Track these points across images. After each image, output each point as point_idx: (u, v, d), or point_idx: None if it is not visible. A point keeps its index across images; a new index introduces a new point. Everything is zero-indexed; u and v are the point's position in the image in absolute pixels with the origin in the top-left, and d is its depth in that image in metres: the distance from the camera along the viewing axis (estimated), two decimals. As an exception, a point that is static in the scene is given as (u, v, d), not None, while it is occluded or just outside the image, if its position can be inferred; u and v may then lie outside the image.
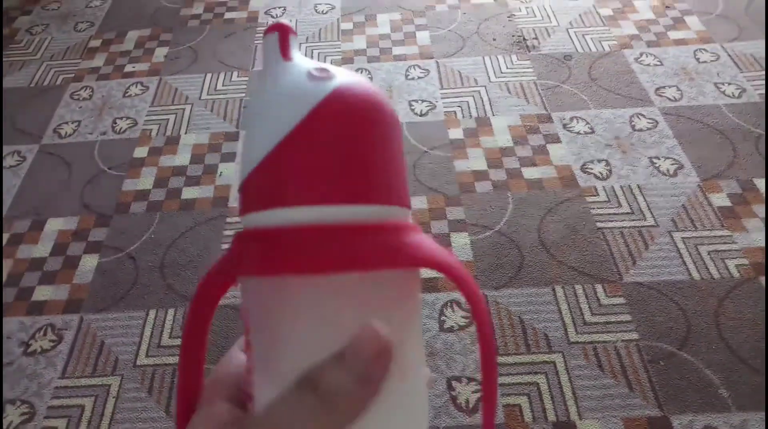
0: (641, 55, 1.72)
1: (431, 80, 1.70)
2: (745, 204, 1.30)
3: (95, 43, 1.94)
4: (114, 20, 2.04)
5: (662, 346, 1.09)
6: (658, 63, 1.69)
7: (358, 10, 1.99)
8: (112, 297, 1.25)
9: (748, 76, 1.61)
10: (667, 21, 1.84)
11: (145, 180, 1.48)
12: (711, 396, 1.02)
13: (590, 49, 1.76)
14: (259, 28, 1.95)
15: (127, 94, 1.73)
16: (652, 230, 1.28)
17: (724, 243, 1.24)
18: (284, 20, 0.28)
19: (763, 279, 1.17)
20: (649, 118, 1.53)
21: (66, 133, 1.63)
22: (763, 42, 1.72)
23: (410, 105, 1.62)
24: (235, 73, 1.77)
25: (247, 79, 1.75)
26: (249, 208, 0.23)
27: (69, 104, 1.72)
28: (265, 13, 2.01)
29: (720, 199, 1.32)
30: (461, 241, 1.29)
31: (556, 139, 1.49)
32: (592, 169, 1.42)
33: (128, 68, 1.83)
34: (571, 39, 1.80)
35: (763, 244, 1.23)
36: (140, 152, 1.55)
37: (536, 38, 1.82)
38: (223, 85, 1.73)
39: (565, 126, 1.53)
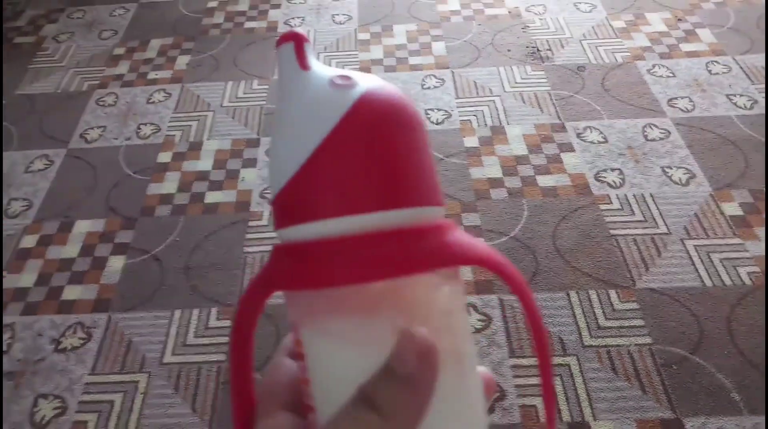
0: (654, 66, 1.76)
1: (447, 90, 1.74)
2: (757, 213, 1.33)
3: (119, 50, 2.00)
4: (137, 29, 2.09)
5: (675, 350, 1.12)
6: (671, 74, 1.72)
7: (375, 20, 2.03)
8: (138, 297, 1.29)
9: (759, 88, 1.65)
10: (679, 33, 1.88)
11: (169, 184, 1.53)
12: (723, 399, 1.05)
13: (603, 60, 1.80)
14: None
15: (150, 101, 1.78)
16: (665, 238, 1.31)
17: (736, 251, 1.27)
18: (297, 29, 0.28)
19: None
20: (662, 129, 1.56)
21: (92, 138, 1.68)
22: (774, 54, 1.75)
23: (426, 114, 1.66)
24: (255, 81, 1.82)
25: (267, 87, 1.80)
26: (285, 222, 0.23)
27: (94, 110, 1.77)
28: (284, 23, 2.06)
29: (732, 208, 1.35)
30: (478, 246, 1.32)
31: (570, 148, 1.53)
32: (605, 177, 1.45)
33: (151, 75, 1.88)
34: (585, 50, 1.84)
35: (773, 252, 1.26)
36: (164, 157, 1.60)
37: (550, 49, 1.85)
38: (243, 93, 1.78)
39: (578, 135, 1.56)
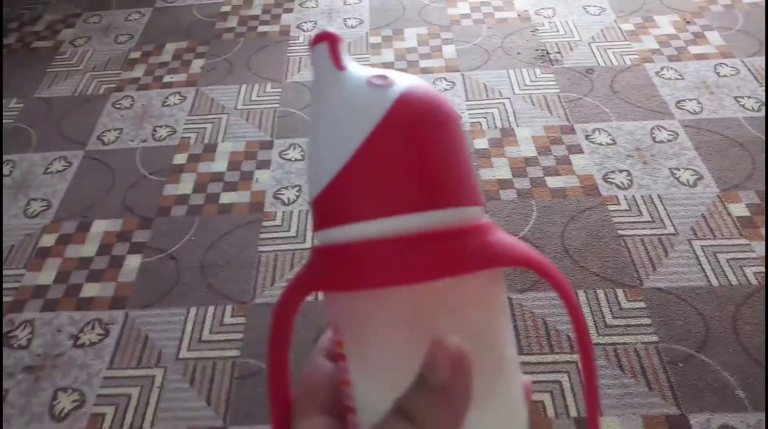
0: (662, 69, 1.78)
1: (457, 92, 1.76)
2: (763, 214, 1.35)
3: (135, 54, 2.04)
4: (152, 33, 2.13)
5: (681, 348, 1.14)
6: (679, 77, 1.74)
7: (387, 24, 2.06)
8: (155, 294, 1.32)
9: (767, 91, 1.66)
10: (687, 36, 1.89)
11: (185, 185, 1.56)
12: (728, 396, 1.06)
13: (612, 63, 1.81)
14: (291, 42, 2.03)
15: (165, 104, 1.82)
16: (672, 238, 1.32)
17: (743, 251, 1.28)
18: (330, 29, 0.25)
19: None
20: (670, 131, 1.58)
21: (109, 140, 1.72)
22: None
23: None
24: (269, 85, 1.85)
25: (280, 90, 1.83)
26: (326, 223, 0.23)
27: (111, 113, 1.81)
28: (297, 26, 2.09)
29: (739, 209, 1.36)
30: (487, 246, 1.35)
31: (578, 150, 1.55)
32: (613, 178, 1.47)
33: (166, 79, 1.92)
34: (594, 53, 1.86)
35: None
36: (179, 159, 1.63)
37: (559, 52, 1.87)
38: (257, 96, 1.81)
39: (587, 137, 1.58)
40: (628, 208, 1.40)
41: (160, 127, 1.74)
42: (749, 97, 1.64)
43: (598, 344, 1.16)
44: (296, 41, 2.03)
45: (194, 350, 1.22)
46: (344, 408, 0.24)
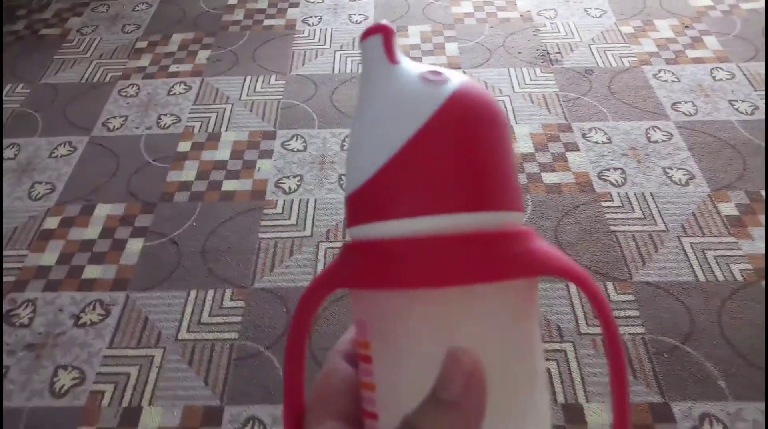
0: (659, 71, 1.81)
1: (458, 89, 1.79)
2: (752, 214, 1.38)
3: (141, 44, 2.07)
4: (159, 23, 2.16)
5: (666, 340, 1.17)
6: (676, 80, 1.77)
7: (391, 21, 2.09)
8: (156, 277, 1.35)
9: (761, 94, 1.69)
10: (685, 40, 1.92)
11: (188, 172, 1.59)
12: (710, 386, 1.09)
13: (611, 64, 1.84)
14: (296, 35, 2.06)
15: (171, 93, 1.85)
16: (662, 235, 1.35)
17: (730, 249, 1.31)
18: (384, 21, 0.23)
19: (764, 283, 1.24)
20: (665, 131, 1.61)
21: (114, 126, 1.75)
22: (778, 63, 1.79)
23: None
24: (273, 77, 1.88)
25: (284, 82, 1.86)
26: (365, 218, 0.23)
27: (117, 100, 1.84)
28: (302, 21, 2.12)
29: (728, 209, 1.40)
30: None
31: (575, 148, 1.58)
32: (608, 176, 1.50)
33: (172, 69, 1.95)
34: (593, 54, 1.89)
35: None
36: (183, 147, 1.66)
37: (559, 52, 1.90)
38: (261, 88, 1.84)
39: (584, 136, 1.61)
40: (621, 204, 1.43)
41: (165, 115, 1.77)
42: (743, 101, 1.68)
43: (587, 334, 1.19)
44: (301, 35, 2.06)
45: (193, 332, 1.25)
46: (364, 413, 0.23)
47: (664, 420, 1.06)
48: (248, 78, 1.88)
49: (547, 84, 1.79)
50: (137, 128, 1.74)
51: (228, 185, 1.55)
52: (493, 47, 1.95)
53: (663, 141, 1.58)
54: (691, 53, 1.87)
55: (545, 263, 0.21)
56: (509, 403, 0.21)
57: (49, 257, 1.41)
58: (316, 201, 1.49)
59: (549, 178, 1.51)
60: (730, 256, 1.30)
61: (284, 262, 1.36)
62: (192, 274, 1.36)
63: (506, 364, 0.21)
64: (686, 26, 1.98)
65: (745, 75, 1.76)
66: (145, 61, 1.99)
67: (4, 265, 1.39)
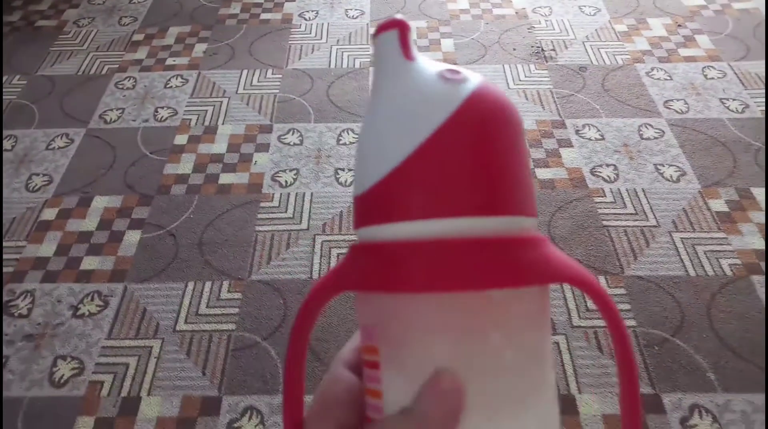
0: (652, 69, 1.83)
1: (453, 85, 1.80)
2: (742, 210, 1.41)
3: (138, 37, 2.07)
4: (156, 16, 2.17)
5: (657, 332, 1.19)
6: (668, 78, 1.79)
7: (386, 16, 2.10)
8: (153, 269, 1.37)
9: (752, 93, 1.72)
10: (678, 39, 1.95)
11: (185, 165, 1.60)
12: (699, 378, 1.12)
13: (604, 62, 1.87)
14: (293, 30, 2.07)
15: (168, 86, 1.86)
16: (654, 230, 1.38)
17: (720, 244, 1.34)
18: (399, 16, 0.23)
19: (754, 277, 1.27)
20: (657, 128, 1.63)
21: (111, 119, 1.75)
22: (768, 62, 1.82)
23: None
24: (269, 71, 1.89)
25: (280, 76, 1.87)
26: (375, 219, 0.22)
27: (114, 93, 1.84)
28: (299, 15, 2.13)
29: (718, 205, 1.42)
30: (476, 232, 1.40)
31: (568, 144, 1.60)
32: (600, 172, 1.52)
33: (169, 62, 1.95)
34: (587, 52, 1.91)
35: (756, 246, 1.33)
36: (180, 139, 1.67)
37: (554, 50, 1.92)
38: (258, 81, 1.85)
39: (577, 132, 1.63)
40: (613, 200, 1.45)
41: (162, 108, 1.78)
42: (734, 100, 1.70)
43: (579, 327, 1.21)
44: (298, 29, 2.07)
45: (191, 323, 1.26)
46: (367, 420, 0.23)
47: (655, 411, 1.08)
48: (245, 71, 1.89)
49: (541, 81, 1.81)
50: (134, 121, 1.74)
51: (225, 178, 1.56)
52: (488, 44, 1.96)
53: (655, 138, 1.61)
54: (684, 52, 1.89)
55: (560, 271, 0.21)
56: (516, 412, 0.21)
57: (47, 248, 1.42)
58: (312, 194, 1.50)
59: (542, 173, 1.53)
60: (719, 251, 1.33)
61: (281, 255, 1.37)
62: (189, 266, 1.37)
63: (522, 370, 0.21)
64: (679, 25, 2.01)
65: (736, 74, 1.79)
66: (141, 53, 1.99)
67: (3, 256, 1.40)
